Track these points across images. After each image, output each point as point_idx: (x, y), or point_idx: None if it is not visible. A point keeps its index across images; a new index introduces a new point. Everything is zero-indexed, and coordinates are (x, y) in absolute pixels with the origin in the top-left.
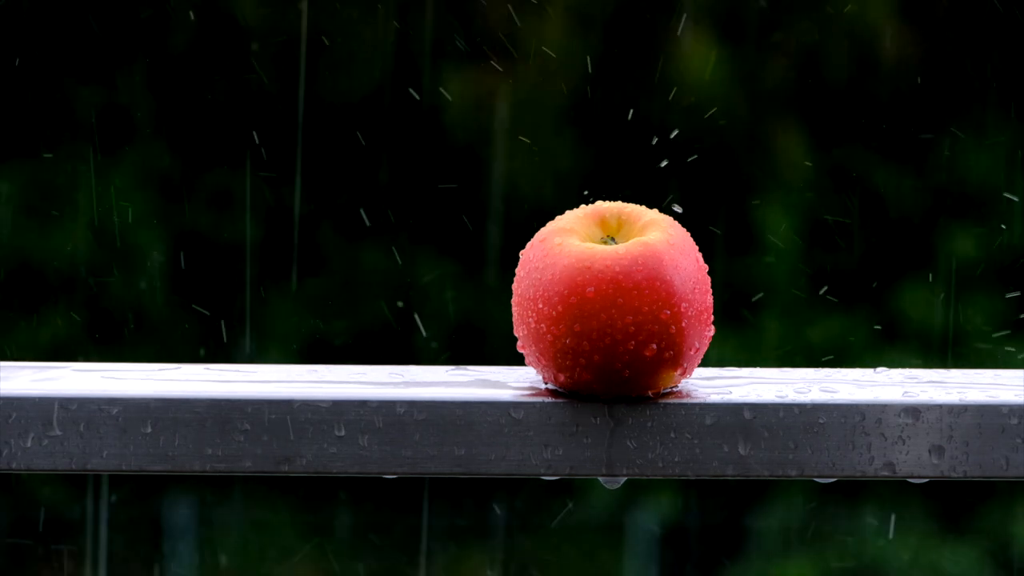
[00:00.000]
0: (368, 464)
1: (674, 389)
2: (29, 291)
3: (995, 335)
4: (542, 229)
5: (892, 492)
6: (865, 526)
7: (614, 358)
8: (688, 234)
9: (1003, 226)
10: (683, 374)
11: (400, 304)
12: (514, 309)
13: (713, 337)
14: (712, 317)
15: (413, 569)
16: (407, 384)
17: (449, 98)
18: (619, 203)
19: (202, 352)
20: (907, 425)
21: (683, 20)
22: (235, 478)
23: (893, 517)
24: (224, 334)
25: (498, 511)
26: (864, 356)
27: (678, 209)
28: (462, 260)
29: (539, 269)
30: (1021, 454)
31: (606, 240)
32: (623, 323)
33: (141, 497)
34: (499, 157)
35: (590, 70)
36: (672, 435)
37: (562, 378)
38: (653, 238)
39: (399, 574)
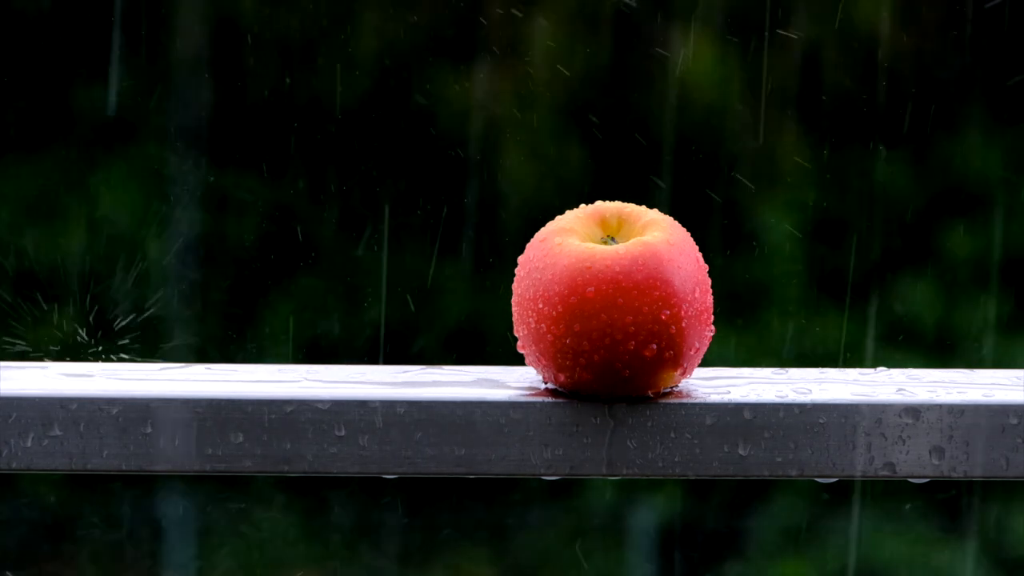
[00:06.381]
0: (368, 464)
1: (674, 389)
2: (30, 291)
3: (995, 335)
4: (542, 229)
5: (892, 492)
6: (865, 526)
7: (614, 358)
8: (688, 234)
9: (1003, 225)
10: (683, 374)
11: (400, 304)
12: (514, 309)
13: (713, 337)
14: (712, 317)
15: (413, 569)
16: (407, 384)
17: (449, 97)
18: (619, 203)
19: (203, 352)
20: (907, 425)
21: (683, 20)
22: (235, 478)
23: (892, 517)
24: (224, 334)
25: (498, 511)
26: (864, 356)
27: None
28: (462, 260)
29: (539, 269)
30: (1021, 454)
31: (606, 240)
32: (623, 323)
33: (141, 497)
34: (499, 157)
35: (590, 70)
36: (672, 435)
37: (562, 378)
38: (653, 238)
39: (399, 574)
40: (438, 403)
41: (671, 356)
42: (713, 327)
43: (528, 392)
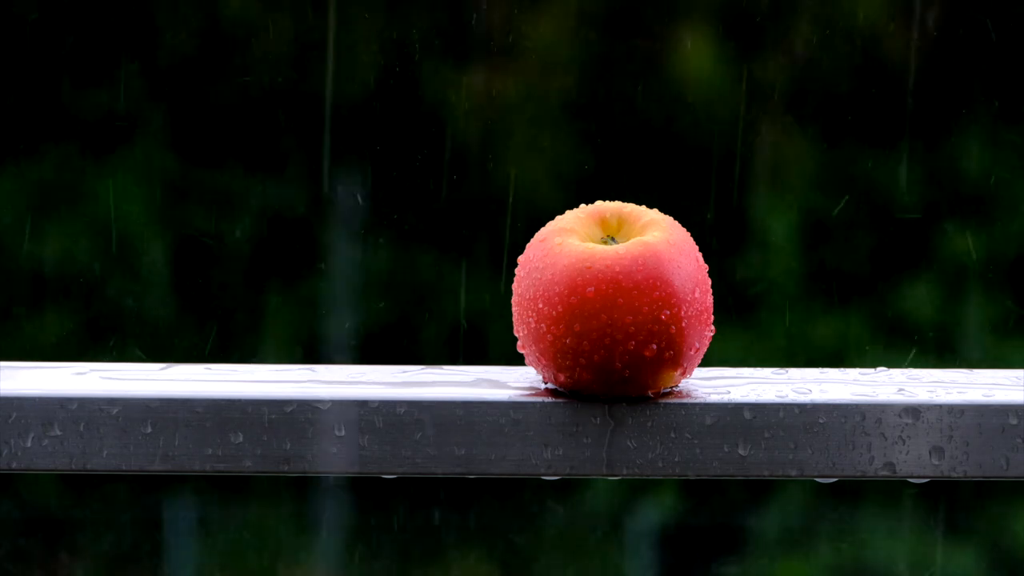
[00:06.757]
0: (368, 464)
1: (674, 389)
2: (29, 291)
3: (995, 334)
4: (542, 229)
5: (891, 492)
6: (864, 526)
7: (614, 358)
8: (688, 234)
9: (1003, 225)
10: (683, 374)
11: (400, 304)
12: (514, 309)
13: (713, 337)
14: (712, 317)
15: (413, 569)
16: (407, 384)
17: (449, 97)
18: (619, 203)
19: (203, 352)
20: (907, 425)
21: (683, 19)
22: (235, 478)
23: (892, 517)
24: (224, 334)
25: (498, 511)
26: (864, 356)
27: None
28: (462, 260)
29: (539, 269)
30: (1021, 454)
31: (606, 240)
32: (623, 323)
33: (141, 497)
34: (499, 156)
35: (590, 69)
36: (672, 435)
37: (562, 378)
38: (653, 238)
39: (399, 574)
40: (438, 403)
41: (671, 356)
42: (713, 327)
43: (528, 392)
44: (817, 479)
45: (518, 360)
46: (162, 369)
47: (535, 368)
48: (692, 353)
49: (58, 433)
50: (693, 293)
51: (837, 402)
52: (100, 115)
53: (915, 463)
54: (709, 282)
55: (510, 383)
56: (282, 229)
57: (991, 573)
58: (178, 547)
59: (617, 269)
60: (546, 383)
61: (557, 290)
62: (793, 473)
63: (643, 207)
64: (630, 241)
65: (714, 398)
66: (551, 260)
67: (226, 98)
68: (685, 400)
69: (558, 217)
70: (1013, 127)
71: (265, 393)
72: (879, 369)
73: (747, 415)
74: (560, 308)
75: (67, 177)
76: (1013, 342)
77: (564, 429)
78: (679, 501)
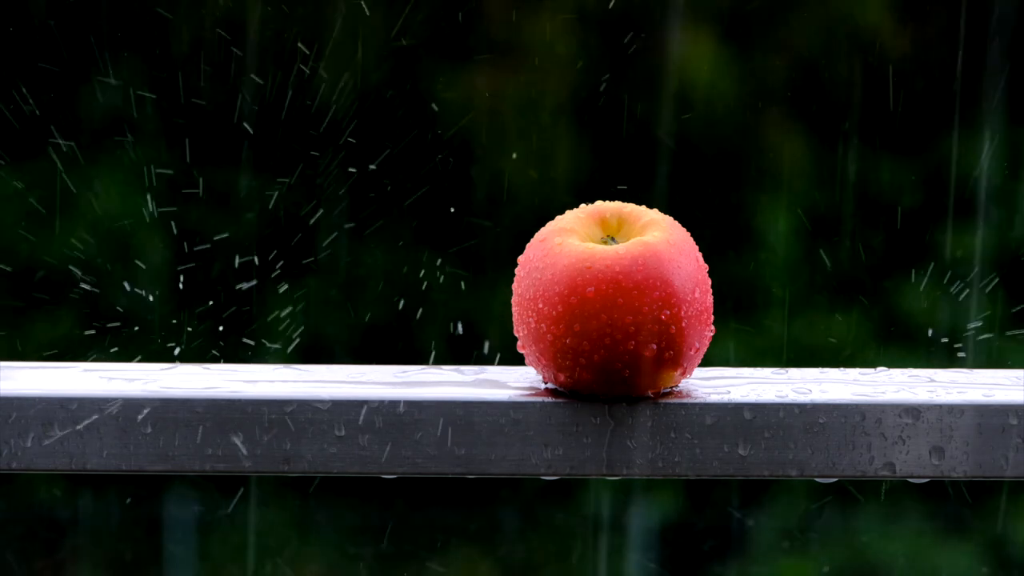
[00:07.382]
0: (368, 464)
1: (674, 389)
2: (29, 291)
3: (995, 334)
4: (542, 229)
5: (891, 492)
6: (864, 526)
7: (614, 358)
8: (688, 234)
9: (1003, 224)
10: (683, 374)
11: (400, 304)
12: (514, 309)
13: (713, 337)
14: (712, 317)
15: (414, 569)
16: (407, 384)
17: (449, 97)
18: (619, 203)
19: (203, 351)
20: (907, 425)
21: (683, 19)
22: (236, 478)
23: (892, 517)
24: (224, 334)
25: (498, 511)
26: (864, 356)
27: None
28: (462, 260)
29: (539, 269)
30: (1021, 454)
31: (606, 240)
32: (623, 323)
33: (141, 497)
34: (499, 157)
35: (590, 70)
36: (672, 435)
37: (562, 378)
38: (653, 238)
39: (399, 574)
40: (438, 403)
41: (671, 356)
42: (713, 327)
43: (528, 392)
44: (817, 479)
45: (518, 360)
46: (162, 369)
47: (535, 368)
48: (692, 353)
49: (58, 433)
50: (693, 293)
51: (837, 402)
52: (100, 114)
53: (915, 463)
54: (709, 282)
55: (510, 383)
56: (282, 229)
57: (991, 573)
58: (178, 547)
59: (617, 269)
60: (546, 383)
61: (557, 290)
62: (793, 473)
63: (643, 207)
64: (630, 241)
65: (714, 398)
66: (551, 260)
67: (226, 97)
68: (685, 400)
69: (558, 217)
70: (1015, 126)
71: (265, 393)
72: (879, 369)
73: (747, 415)
74: (560, 308)
75: (67, 177)
76: (1013, 342)
77: (564, 429)
78: (679, 501)
